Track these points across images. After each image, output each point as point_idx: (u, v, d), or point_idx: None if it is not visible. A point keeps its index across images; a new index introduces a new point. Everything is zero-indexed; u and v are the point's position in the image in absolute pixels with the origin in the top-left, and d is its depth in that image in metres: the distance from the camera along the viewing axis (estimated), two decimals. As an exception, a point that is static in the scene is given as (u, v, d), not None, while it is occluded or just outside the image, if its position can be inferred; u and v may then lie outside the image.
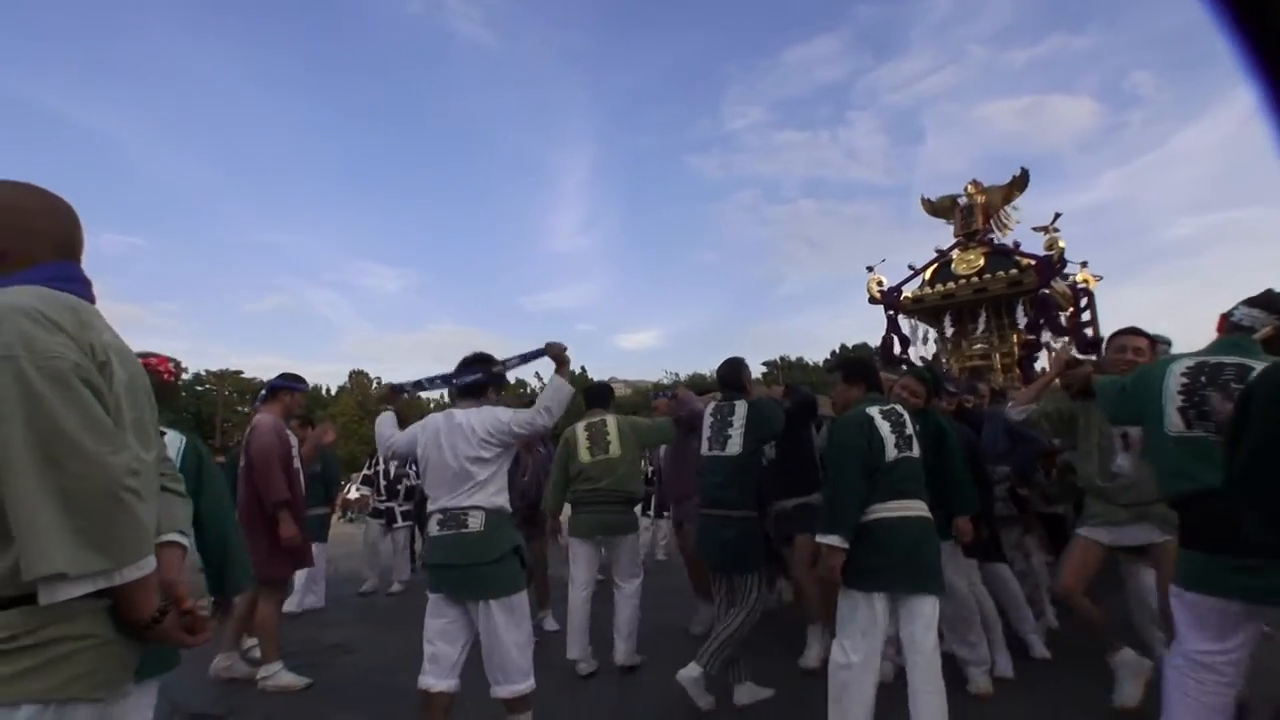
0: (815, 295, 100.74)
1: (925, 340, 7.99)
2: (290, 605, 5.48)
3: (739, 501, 3.49)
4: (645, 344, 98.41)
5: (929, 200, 8.67)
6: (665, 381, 51.84)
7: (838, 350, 56.46)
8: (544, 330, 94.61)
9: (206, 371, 46.69)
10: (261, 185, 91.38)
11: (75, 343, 1.07)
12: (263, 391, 4.47)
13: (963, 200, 8.20)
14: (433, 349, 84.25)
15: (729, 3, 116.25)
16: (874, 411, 2.90)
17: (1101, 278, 6.89)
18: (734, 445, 3.54)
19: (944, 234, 8.26)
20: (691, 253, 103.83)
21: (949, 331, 7.50)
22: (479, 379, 3.02)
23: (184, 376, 45.36)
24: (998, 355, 6.70)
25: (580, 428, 4.29)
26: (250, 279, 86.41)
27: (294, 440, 4.32)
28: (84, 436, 1.01)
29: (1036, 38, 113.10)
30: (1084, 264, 6.95)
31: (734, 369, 3.82)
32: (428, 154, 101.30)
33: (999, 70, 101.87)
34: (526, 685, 2.73)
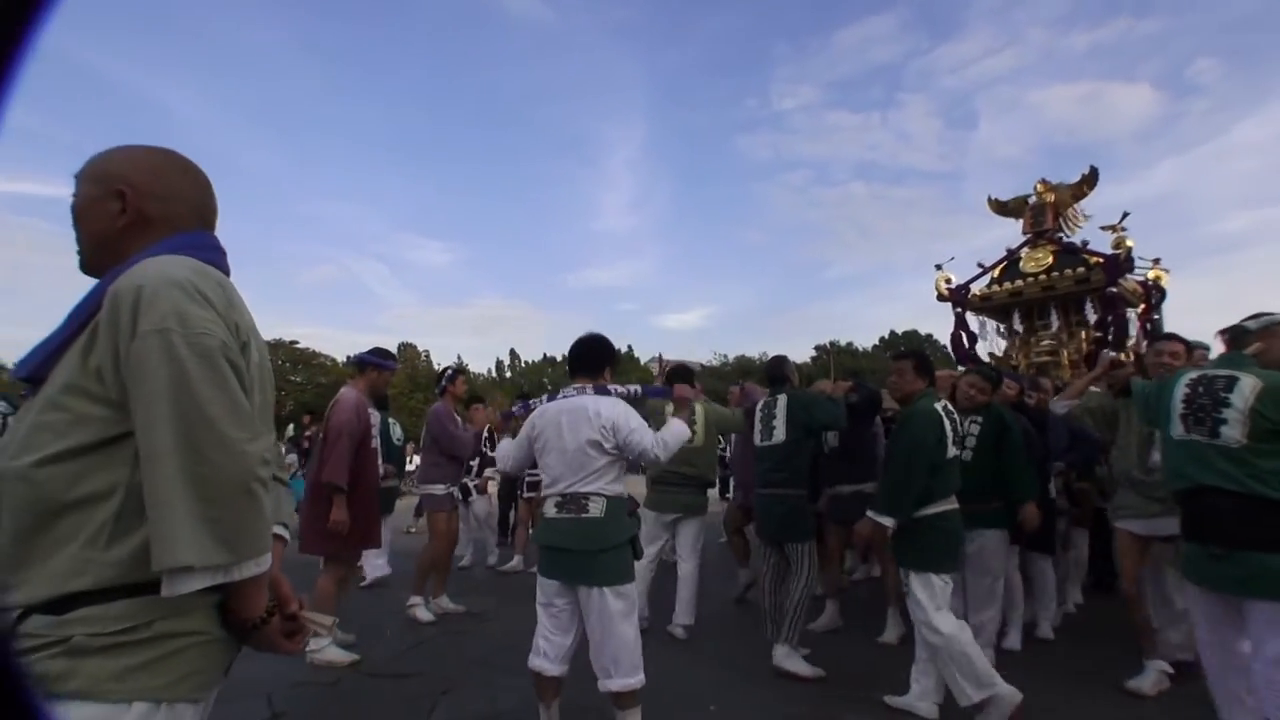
0: (862, 279, 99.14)
1: (997, 335, 8.26)
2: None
3: (789, 482, 4.02)
4: (689, 324, 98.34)
5: (998, 200, 8.83)
6: (714, 363, 51.88)
7: (886, 336, 55.71)
8: (588, 306, 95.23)
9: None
10: (309, 156, 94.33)
11: (223, 320, 1.06)
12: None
13: (1032, 199, 8.39)
14: (477, 322, 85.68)
15: None
16: (941, 408, 3.33)
17: (1169, 271, 7.03)
18: (779, 434, 4.07)
19: (996, 221, 8.54)
20: (738, 233, 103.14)
21: (1018, 328, 7.71)
22: (601, 360, 3.07)
23: None
24: (1065, 352, 6.90)
25: (669, 409, 4.79)
26: (299, 249, 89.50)
27: (375, 418, 4.33)
28: (227, 422, 0.99)
29: (1100, 21, 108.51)
30: (1156, 261, 7.11)
31: (778, 365, 4.40)
32: (476, 127, 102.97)
33: (1058, 55, 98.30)
34: (638, 679, 2.72)
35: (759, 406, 4.33)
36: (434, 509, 5.21)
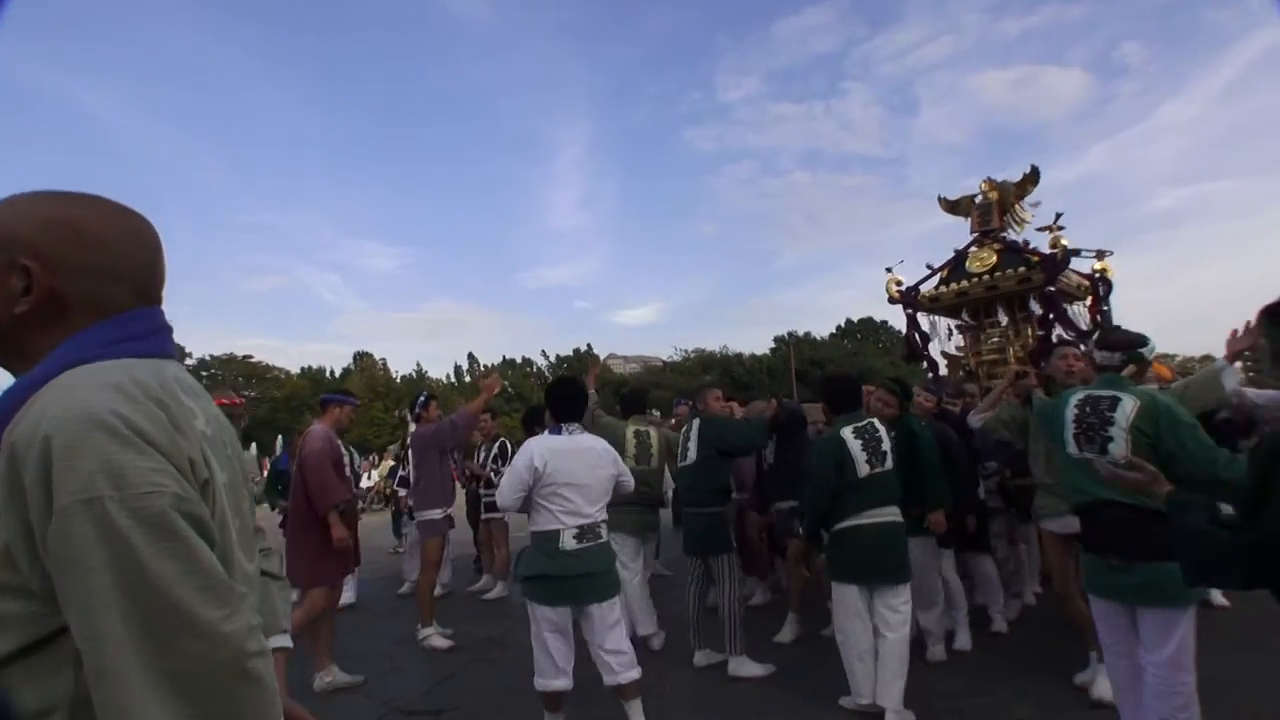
0: (815, 267, 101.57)
1: (950, 335, 8.58)
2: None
3: (705, 500, 4.36)
4: (645, 319, 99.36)
5: (946, 199, 9.15)
6: (675, 358, 52.37)
7: (843, 324, 56.91)
8: (543, 306, 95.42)
9: (211, 356, 44.60)
10: (252, 164, 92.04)
11: (172, 461, 0.82)
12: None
13: (979, 198, 8.71)
14: (431, 326, 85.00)
15: None
16: (847, 433, 3.65)
17: (1112, 253, 7.38)
18: (691, 454, 4.41)
19: (936, 209, 8.92)
20: (689, 226, 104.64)
21: (965, 327, 8.04)
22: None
23: (188, 361, 44.19)
24: (1012, 350, 7.23)
25: (629, 434, 5.03)
26: (244, 260, 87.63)
27: (345, 451, 4.70)
28: (197, 601, 0.78)
29: (1031, 7, 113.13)
30: (1100, 253, 7.47)
31: (695, 390, 4.85)
32: (421, 130, 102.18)
33: (992, 40, 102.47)
34: (638, 671, 3.27)
35: (682, 430, 4.70)
36: (431, 534, 5.32)
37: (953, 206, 9.08)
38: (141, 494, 0.77)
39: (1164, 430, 2.67)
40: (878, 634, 3.51)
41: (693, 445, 4.43)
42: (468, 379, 52.91)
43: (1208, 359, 6.41)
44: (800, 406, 5.13)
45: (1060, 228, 6.67)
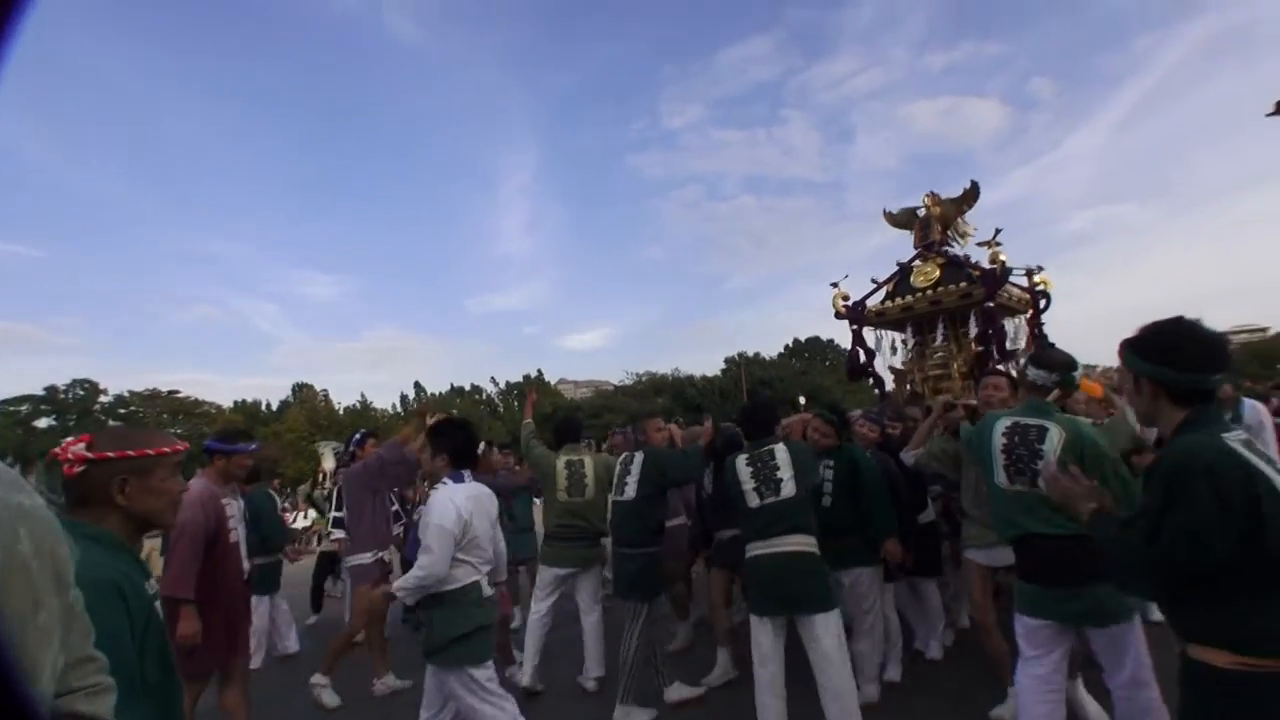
0: (762, 289, 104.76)
1: (894, 350, 8.60)
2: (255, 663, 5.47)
3: (636, 540, 4.18)
4: (594, 344, 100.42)
5: (890, 213, 9.25)
6: (626, 382, 52.43)
7: (790, 344, 57.94)
8: (490, 332, 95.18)
9: (130, 392, 42.86)
10: (183, 193, 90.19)
11: None
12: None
13: (921, 212, 8.80)
14: (375, 356, 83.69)
15: (660, 2, 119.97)
16: (740, 460, 3.61)
17: (1042, 268, 7.51)
18: (629, 490, 4.23)
19: (879, 227, 9.01)
20: (637, 250, 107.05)
21: (910, 343, 8.07)
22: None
23: (103, 399, 42.19)
24: (955, 365, 7.26)
25: (560, 464, 4.83)
26: (171, 290, 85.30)
27: (234, 506, 4.09)
28: None
29: (951, 43, 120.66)
30: (1040, 268, 7.59)
31: (635, 421, 4.70)
32: (362, 157, 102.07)
33: (919, 72, 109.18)
34: None
35: (620, 460, 4.50)
36: (360, 580, 4.98)
37: (896, 220, 9.19)
38: None
39: (1088, 462, 2.64)
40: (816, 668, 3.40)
41: (632, 481, 4.23)
42: (413, 408, 51.93)
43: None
44: (737, 430, 4.97)
45: (999, 243, 6.75)
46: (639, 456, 4.30)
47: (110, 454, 1.56)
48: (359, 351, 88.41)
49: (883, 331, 8.43)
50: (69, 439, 1.61)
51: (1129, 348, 1.83)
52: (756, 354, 55.42)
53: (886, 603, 4.29)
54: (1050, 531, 2.73)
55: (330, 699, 4.85)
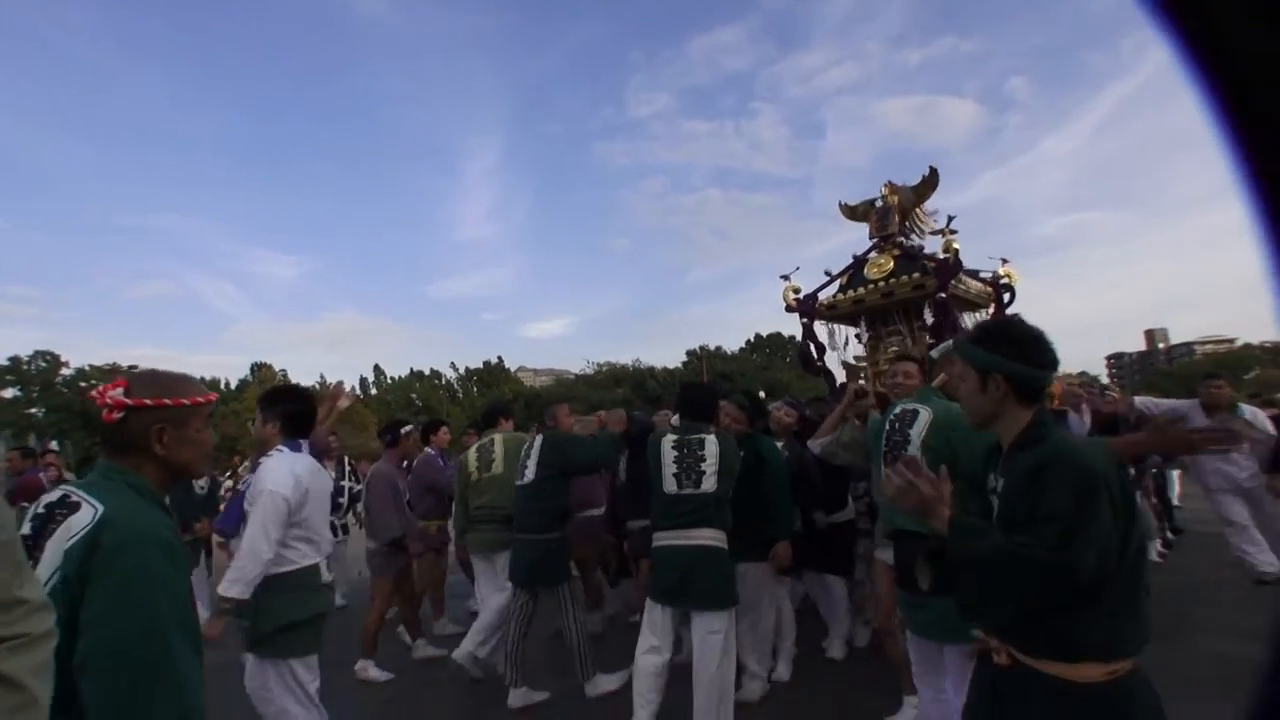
0: (724, 283, 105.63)
1: (846, 344, 8.40)
2: None
3: (540, 525, 4.02)
4: (555, 332, 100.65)
5: (848, 205, 9.03)
6: (587, 371, 52.29)
7: (752, 339, 58.33)
8: (450, 318, 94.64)
9: (91, 366, 42.48)
10: (138, 165, 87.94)
11: None
12: None
13: (879, 203, 8.60)
14: (332, 337, 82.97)
15: None
16: (666, 441, 3.48)
17: (1007, 260, 7.35)
18: (529, 474, 4.09)
19: (847, 226, 8.75)
20: (600, 240, 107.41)
21: (864, 336, 7.87)
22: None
23: (65, 371, 42.19)
24: (908, 359, 7.08)
25: (472, 451, 4.75)
26: (128, 264, 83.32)
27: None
28: None
29: (929, 39, 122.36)
30: (1004, 260, 7.43)
31: (546, 408, 4.57)
32: (325, 136, 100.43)
33: (895, 69, 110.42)
34: None
35: (525, 445, 4.32)
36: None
37: (853, 212, 8.97)
38: None
39: (957, 444, 2.48)
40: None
41: (531, 464, 4.08)
42: (374, 391, 51.21)
43: (1083, 375, 6.63)
44: (651, 420, 4.78)
45: (953, 231, 6.56)
46: (539, 439, 4.19)
47: (148, 401, 1.55)
48: (317, 332, 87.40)
49: (837, 325, 8.23)
50: (104, 384, 1.58)
51: (977, 344, 1.79)
52: (718, 348, 55.71)
53: (780, 596, 4.19)
54: (915, 528, 2.53)
55: (378, 674, 4.80)
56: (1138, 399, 5.86)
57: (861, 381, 4.11)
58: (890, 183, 8.64)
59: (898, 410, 2.91)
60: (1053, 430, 1.70)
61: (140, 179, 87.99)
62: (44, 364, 42.36)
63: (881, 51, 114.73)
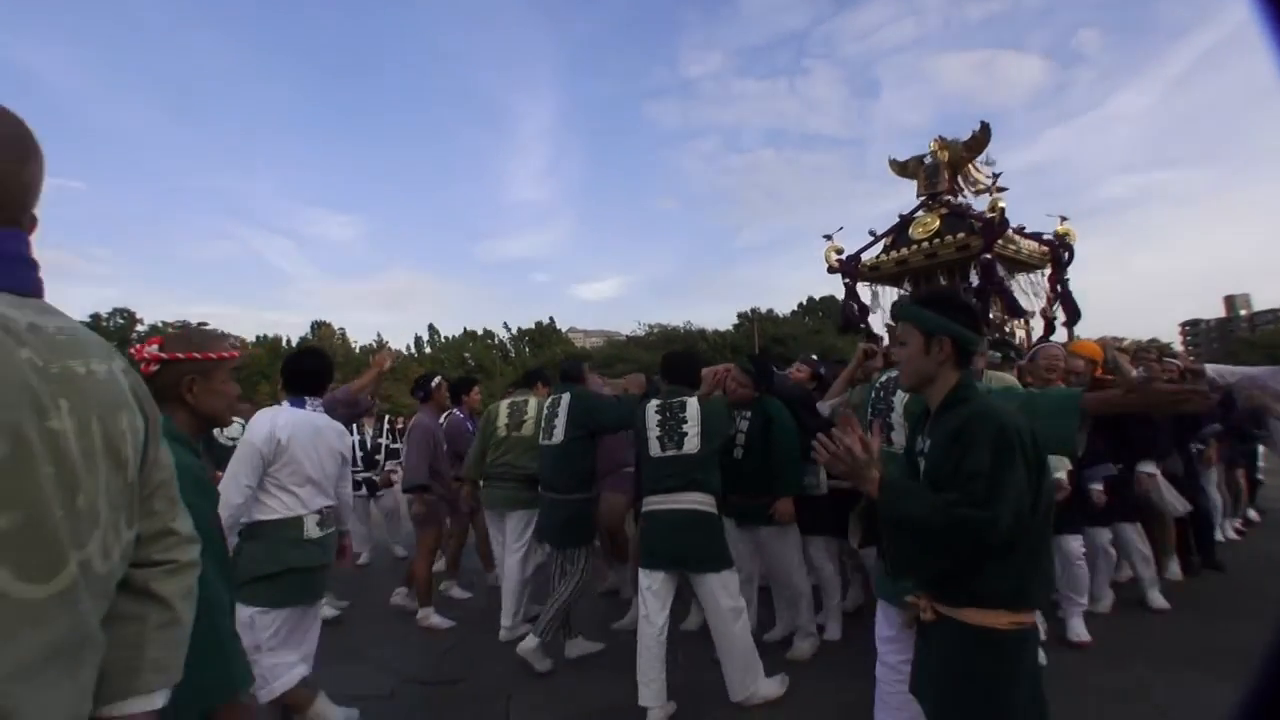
0: (775, 245, 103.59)
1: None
2: None
3: (570, 485, 4.05)
4: (605, 293, 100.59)
5: (897, 161, 8.72)
6: (638, 333, 52.28)
7: (805, 302, 57.11)
8: (502, 278, 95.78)
9: (163, 323, 43.66)
10: (205, 129, 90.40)
11: None
12: None
13: (928, 159, 8.27)
14: (390, 296, 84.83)
15: None
16: (650, 406, 3.50)
17: (1066, 218, 6.99)
18: (557, 434, 4.10)
19: (901, 186, 8.44)
20: (651, 201, 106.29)
21: (909, 299, 7.68)
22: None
23: (140, 328, 44.62)
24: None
25: (503, 406, 4.79)
26: (195, 225, 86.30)
27: None
28: None
29: None
30: (1063, 218, 7.08)
31: (575, 367, 4.62)
32: (380, 99, 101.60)
33: (955, 24, 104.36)
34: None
35: (546, 404, 4.33)
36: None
37: (903, 168, 8.67)
38: None
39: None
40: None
41: (560, 424, 4.11)
42: (428, 350, 52.26)
43: (1154, 342, 6.12)
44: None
45: (1000, 189, 6.28)
46: (565, 397, 4.18)
47: (180, 355, 1.75)
48: (374, 291, 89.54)
49: (878, 288, 8.03)
50: (141, 343, 1.80)
51: (929, 307, 1.87)
52: (770, 310, 54.79)
53: (817, 556, 4.18)
54: None
55: (440, 621, 4.90)
56: (1210, 366, 5.58)
57: (869, 344, 3.98)
58: (941, 138, 8.28)
59: (883, 379, 2.91)
60: (974, 392, 1.79)
61: (205, 141, 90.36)
62: (121, 321, 45.57)
63: (942, 5, 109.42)
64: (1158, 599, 4.50)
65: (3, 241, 0.85)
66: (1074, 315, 6.66)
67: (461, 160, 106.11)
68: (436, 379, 5.50)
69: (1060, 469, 3.59)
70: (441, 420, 5.62)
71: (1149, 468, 4.58)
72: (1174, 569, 5.04)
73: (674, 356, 3.79)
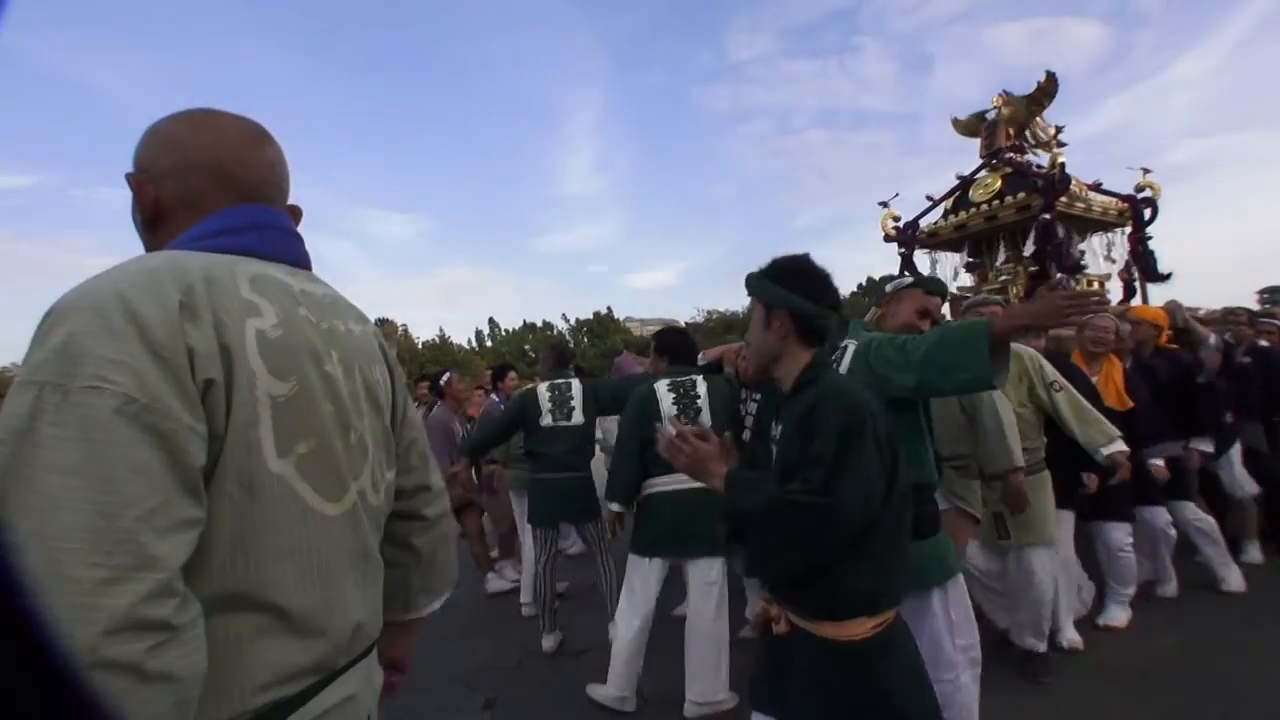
0: (831, 227, 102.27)
1: (956, 275, 7.98)
2: None
3: (585, 464, 4.30)
4: (661, 282, 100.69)
5: (959, 120, 8.49)
6: (697, 319, 52.02)
7: (864, 282, 55.62)
8: (557, 270, 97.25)
9: None
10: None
11: (153, 352, 0.75)
12: None
13: (990, 114, 7.98)
14: (449, 292, 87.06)
15: None
16: (661, 385, 3.47)
17: (1150, 170, 6.65)
18: (577, 416, 4.29)
19: (959, 160, 8.22)
20: (704, 187, 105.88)
21: (968, 265, 7.51)
22: None
23: None
24: (1014, 289, 6.69)
25: (543, 389, 4.61)
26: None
27: None
28: (78, 550, 0.66)
29: None
30: (1146, 170, 6.74)
31: (570, 352, 4.93)
32: (433, 99, 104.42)
33: None
34: None
35: (547, 388, 4.40)
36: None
37: (965, 127, 8.44)
38: (85, 387, 0.71)
39: (872, 360, 2.26)
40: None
41: (577, 406, 4.34)
42: (489, 343, 53.36)
43: (1229, 309, 5.79)
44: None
45: (1062, 144, 6.07)
46: (577, 384, 4.40)
47: None
48: (434, 287, 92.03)
49: (936, 257, 7.86)
50: None
51: (766, 276, 1.74)
52: (830, 292, 53.77)
53: None
54: None
55: (497, 584, 5.44)
56: None
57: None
58: (1005, 92, 8.00)
59: (837, 351, 2.75)
60: (827, 371, 1.69)
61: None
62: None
63: None
64: (1233, 578, 4.22)
65: (276, 218, 1.04)
66: (1154, 275, 6.39)
67: (514, 158, 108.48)
68: (447, 375, 5.90)
69: (1112, 445, 3.37)
70: (470, 411, 6.00)
71: (1204, 444, 4.29)
72: (1253, 552, 4.68)
73: (674, 335, 3.81)
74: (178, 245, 0.93)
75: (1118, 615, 3.86)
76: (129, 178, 1.00)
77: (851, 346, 2.48)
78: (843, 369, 2.45)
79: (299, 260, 1.05)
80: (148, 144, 1.00)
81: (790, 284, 1.70)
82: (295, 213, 1.12)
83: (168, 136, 0.99)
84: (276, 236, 1.02)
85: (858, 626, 1.51)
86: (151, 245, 1.00)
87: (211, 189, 0.98)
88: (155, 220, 0.99)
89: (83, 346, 0.72)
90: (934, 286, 2.67)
